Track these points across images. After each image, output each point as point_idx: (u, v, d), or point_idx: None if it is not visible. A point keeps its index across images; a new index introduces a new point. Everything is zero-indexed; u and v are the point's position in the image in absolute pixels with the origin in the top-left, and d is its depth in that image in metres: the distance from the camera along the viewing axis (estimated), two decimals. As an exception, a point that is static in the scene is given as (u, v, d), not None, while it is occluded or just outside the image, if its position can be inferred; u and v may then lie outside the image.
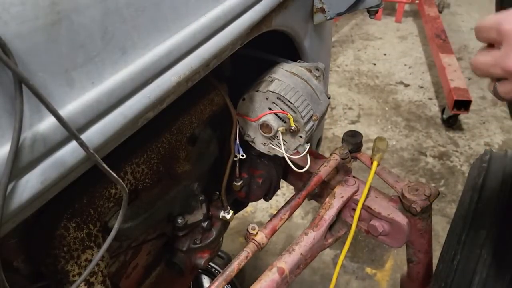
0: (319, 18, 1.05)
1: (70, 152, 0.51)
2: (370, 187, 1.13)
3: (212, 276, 1.75)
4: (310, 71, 1.00)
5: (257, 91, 0.94)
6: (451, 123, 2.95)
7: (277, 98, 0.92)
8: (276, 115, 0.94)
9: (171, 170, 0.88)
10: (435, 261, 1.17)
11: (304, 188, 1.12)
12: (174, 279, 1.17)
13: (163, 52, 0.62)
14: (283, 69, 0.99)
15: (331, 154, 1.18)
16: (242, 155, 0.99)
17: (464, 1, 4.60)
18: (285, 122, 0.94)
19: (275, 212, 1.05)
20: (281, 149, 0.97)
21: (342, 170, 1.21)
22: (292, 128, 0.93)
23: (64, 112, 0.49)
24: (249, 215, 2.34)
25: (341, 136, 1.23)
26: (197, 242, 1.02)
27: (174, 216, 0.96)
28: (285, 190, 2.36)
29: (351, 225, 1.09)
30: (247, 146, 1.03)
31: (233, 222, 1.20)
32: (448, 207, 2.37)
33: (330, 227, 1.08)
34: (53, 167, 0.50)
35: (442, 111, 3.03)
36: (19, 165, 0.46)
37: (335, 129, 2.96)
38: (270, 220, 1.04)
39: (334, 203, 1.09)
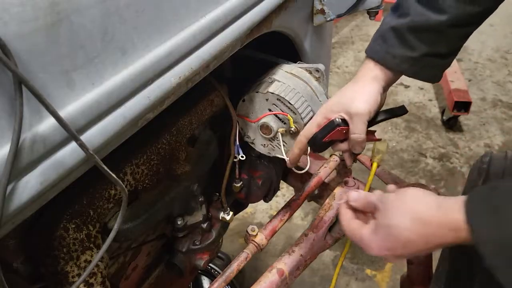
0: (319, 20, 1.05)
1: (69, 153, 0.51)
2: (370, 189, 1.13)
3: (212, 277, 1.75)
4: (310, 72, 1.00)
5: (257, 92, 0.94)
6: (451, 124, 2.95)
7: (277, 99, 0.92)
8: (276, 116, 0.94)
9: (171, 171, 0.88)
10: (435, 262, 1.17)
11: (304, 189, 1.12)
12: (174, 280, 1.17)
13: (163, 53, 0.62)
14: (283, 70, 0.99)
15: (331, 156, 1.18)
16: (242, 156, 0.99)
17: (464, 2, 4.60)
18: (285, 123, 0.94)
19: (275, 213, 1.05)
20: (281, 150, 0.97)
21: (342, 171, 1.21)
22: (292, 129, 0.93)
23: (64, 113, 0.49)
24: (249, 216, 2.33)
25: (341, 137, 1.23)
26: (197, 243, 1.02)
27: (174, 217, 0.96)
28: (285, 191, 2.36)
29: (351, 226, 1.09)
30: (247, 147, 1.03)
31: (233, 223, 1.20)
32: (448, 208, 2.37)
33: (330, 228, 1.08)
34: (52, 168, 0.50)
35: (442, 112, 3.03)
36: (18, 166, 0.46)
37: (335, 130, 2.96)
38: (270, 221, 1.04)
39: (334, 204, 1.09)
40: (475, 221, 0.55)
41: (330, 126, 0.84)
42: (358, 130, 0.82)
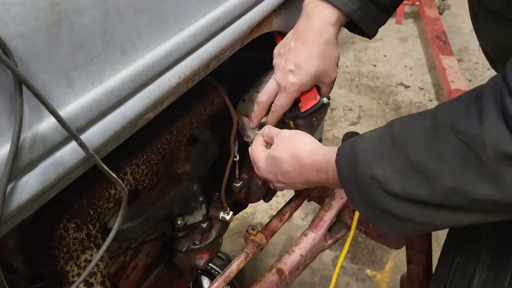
0: (319, 20, 1.04)
1: (69, 153, 0.52)
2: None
3: (212, 277, 1.75)
4: (310, 72, 1.00)
5: (257, 92, 0.94)
6: (451, 124, 2.95)
7: (277, 99, 0.92)
8: (276, 116, 0.94)
9: (171, 171, 0.88)
10: (434, 262, 1.17)
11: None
12: (174, 280, 1.17)
13: (163, 53, 0.62)
14: (283, 70, 0.99)
15: (331, 155, 1.18)
16: (235, 156, 0.99)
17: (464, 3, 4.59)
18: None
19: (275, 213, 1.05)
20: (281, 150, 0.97)
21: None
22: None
23: (64, 112, 0.50)
24: (249, 216, 2.33)
25: (341, 137, 1.23)
26: (197, 243, 1.02)
27: (174, 217, 0.96)
28: (285, 191, 2.36)
29: (350, 226, 1.09)
30: (247, 147, 1.03)
31: (233, 223, 1.20)
32: (448, 208, 2.37)
33: (330, 228, 1.08)
34: (52, 167, 0.50)
35: (442, 112, 3.03)
36: (19, 165, 0.46)
37: (335, 130, 2.96)
38: (270, 221, 1.04)
39: (333, 204, 1.09)
40: (339, 162, 0.69)
41: (318, 106, 0.88)
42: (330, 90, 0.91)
